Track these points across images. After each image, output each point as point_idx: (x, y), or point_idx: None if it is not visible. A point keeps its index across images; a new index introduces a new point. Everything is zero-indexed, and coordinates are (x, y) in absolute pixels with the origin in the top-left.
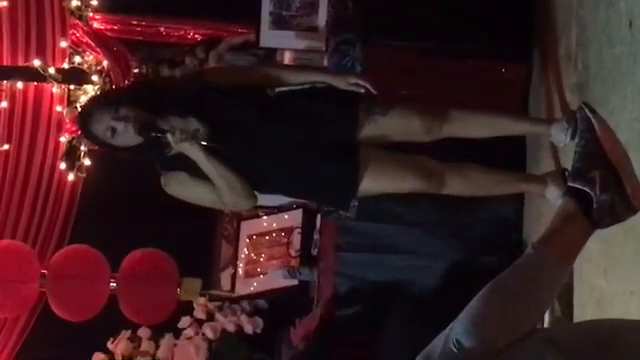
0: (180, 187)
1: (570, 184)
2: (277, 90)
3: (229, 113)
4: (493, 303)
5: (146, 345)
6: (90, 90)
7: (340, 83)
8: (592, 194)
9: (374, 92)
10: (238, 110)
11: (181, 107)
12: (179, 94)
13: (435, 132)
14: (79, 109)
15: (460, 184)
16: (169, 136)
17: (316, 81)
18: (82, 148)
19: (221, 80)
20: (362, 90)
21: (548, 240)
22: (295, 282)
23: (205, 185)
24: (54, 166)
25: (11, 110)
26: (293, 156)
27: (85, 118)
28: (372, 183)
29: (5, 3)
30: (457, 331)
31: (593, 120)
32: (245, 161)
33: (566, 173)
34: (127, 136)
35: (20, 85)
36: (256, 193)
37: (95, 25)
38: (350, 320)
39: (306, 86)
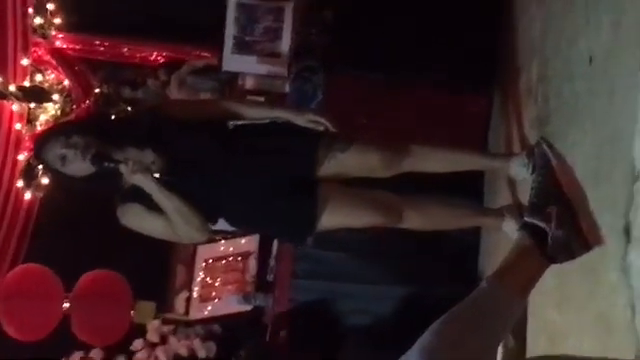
0: (135, 219)
1: (526, 219)
2: (237, 123)
3: (187, 146)
4: (447, 336)
5: None
6: (50, 109)
7: (299, 120)
8: (548, 229)
9: (333, 130)
10: (196, 143)
11: (138, 139)
12: (137, 125)
13: (395, 168)
14: (38, 129)
15: (418, 218)
16: (122, 167)
17: (276, 117)
18: (40, 167)
19: (180, 113)
20: (321, 128)
21: (503, 274)
22: (250, 308)
23: (160, 218)
24: (11, 184)
25: None
26: (251, 191)
27: (38, 146)
28: (331, 218)
29: None
30: None
31: (550, 155)
32: (201, 194)
33: (523, 207)
34: (77, 164)
35: None
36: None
37: (58, 44)
38: (304, 347)
39: (266, 120)
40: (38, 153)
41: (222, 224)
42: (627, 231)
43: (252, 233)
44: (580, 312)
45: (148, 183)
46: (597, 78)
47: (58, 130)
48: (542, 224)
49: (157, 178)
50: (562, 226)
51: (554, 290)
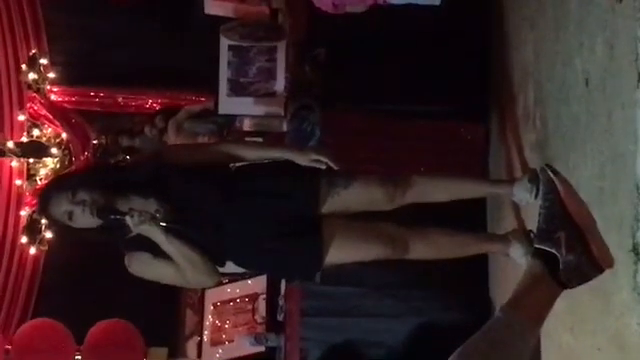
0: (143, 267)
1: (536, 245)
2: (238, 165)
3: (189, 192)
4: None
5: None
6: (50, 163)
7: (301, 160)
8: (558, 255)
9: (335, 167)
10: (198, 189)
11: (141, 188)
12: (139, 175)
13: (398, 200)
14: (39, 183)
15: (424, 249)
16: (128, 219)
17: (277, 157)
18: (43, 221)
19: (180, 159)
20: (323, 166)
21: (516, 303)
22: (262, 348)
23: (168, 265)
24: (15, 240)
25: None
26: (256, 233)
27: (44, 203)
28: (337, 255)
29: None
30: None
31: (556, 181)
32: (207, 239)
33: (531, 234)
34: (85, 219)
35: None
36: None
37: (53, 97)
38: None
39: (266, 161)
40: (44, 209)
41: (230, 266)
42: (636, 249)
43: (261, 274)
44: (594, 333)
45: (155, 233)
46: (594, 99)
47: (63, 185)
48: (552, 250)
49: (163, 227)
50: (572, 250)
51: (566, 313)
